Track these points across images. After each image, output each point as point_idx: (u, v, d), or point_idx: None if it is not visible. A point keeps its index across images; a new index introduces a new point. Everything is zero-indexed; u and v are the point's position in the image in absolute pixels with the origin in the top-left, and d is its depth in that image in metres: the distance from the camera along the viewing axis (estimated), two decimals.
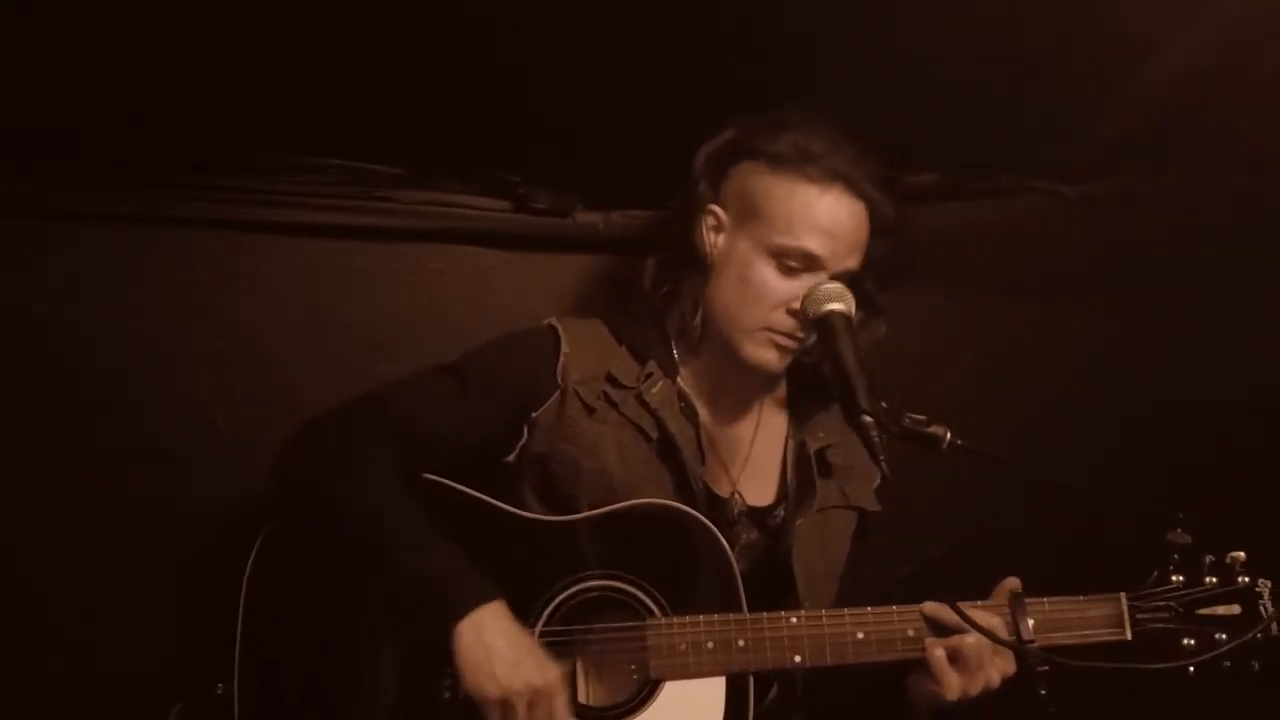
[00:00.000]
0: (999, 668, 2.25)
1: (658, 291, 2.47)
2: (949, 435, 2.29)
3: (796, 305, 2.33)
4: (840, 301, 2.26)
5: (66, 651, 2.60)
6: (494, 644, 2.10)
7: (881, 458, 2.13)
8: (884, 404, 2.19)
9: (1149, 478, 2.98)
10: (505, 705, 2.09)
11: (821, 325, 2.26)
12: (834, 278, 2.34)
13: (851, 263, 2.38)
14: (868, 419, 2.14)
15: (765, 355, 2.39)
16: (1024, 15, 2.46)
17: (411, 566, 2.15)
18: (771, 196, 2.36)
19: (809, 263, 2.33)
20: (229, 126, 2.55)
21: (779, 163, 2.37)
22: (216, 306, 2.72)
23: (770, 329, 2.37)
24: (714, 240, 2.42)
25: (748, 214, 2.39)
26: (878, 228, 2.41)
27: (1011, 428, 2.87)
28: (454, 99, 2.56)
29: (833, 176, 2.35)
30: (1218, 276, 3.04)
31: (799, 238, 2.33)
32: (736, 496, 2.46)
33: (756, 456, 2.53)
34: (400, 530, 2.18)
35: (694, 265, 2.43)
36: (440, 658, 2.14)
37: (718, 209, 2.42)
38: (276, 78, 2.44)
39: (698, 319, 2.43)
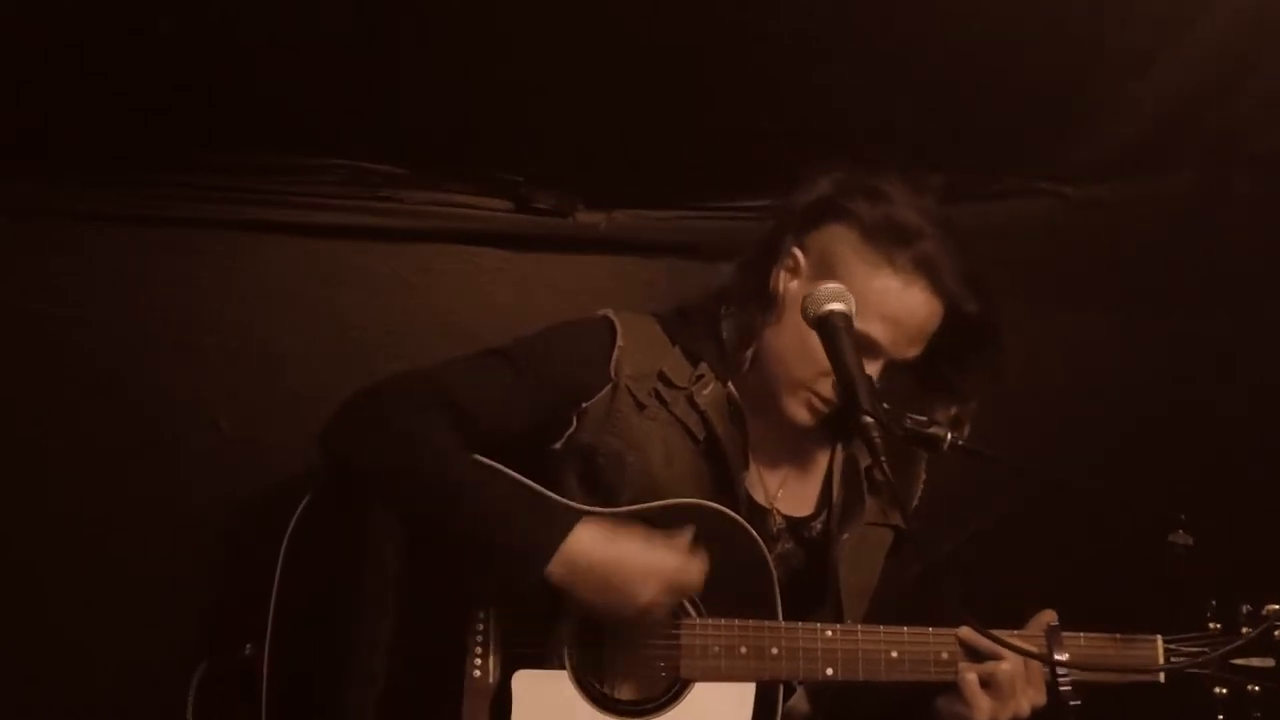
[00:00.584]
0: (1030, 698, 2.24)
1: (721, 310, 2.44)
2: (950, 436, 2.29)
3: None
4: (840, 301, 2.24)
5: (68, 650, 2.62)
6: (598, 570, 2.15)
7: (882, 458, 2.12)
8: (885, 405, 2.18)
9: (1150, 479, 2.97)
10: (650, 610, 2.15)
11: (821, 325, 2.24)
12: (890, 363, 2.33)
13: (912, 353, 2.35)
14: (869, 420, 2.13)
15: (800, 413, 2.37)
16: (1028, 16, 2.46)
17: (486, 519, 2.17)
18: (852, 272, 2.31)
19: (870, 347, 2.29)
20: (230, 127, 2.55)
21: (869, 237, 2.31)
22: (217, 306, 2.72)
23: (812, 391, 2.35)
24: (786, 282, 2.39)
25: (825, 275, 2.32)
26: (953, 320, 2.36)
27: (1012, 428, 2.86)
28: (455, 99, 2.56)
29: (917, 267, 2.29)
30: (1220, 278, 3.03)
31: (867, 323, 2.28)
32: (776, 509, 2.46)
33: (799, 468, 2.51)
34: (466, 483, 2.20)
35: (761, 301, 2.39)
36: (473, 635, 2.17)
37: (799, 255, 2.38)
38: (278, 78, 2.44)
39: (749, 353, 2.39)
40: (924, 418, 2.31)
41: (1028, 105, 2.66)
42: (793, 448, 2.51)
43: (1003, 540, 2.93)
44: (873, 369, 2.29)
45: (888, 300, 2.30)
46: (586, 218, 2.86)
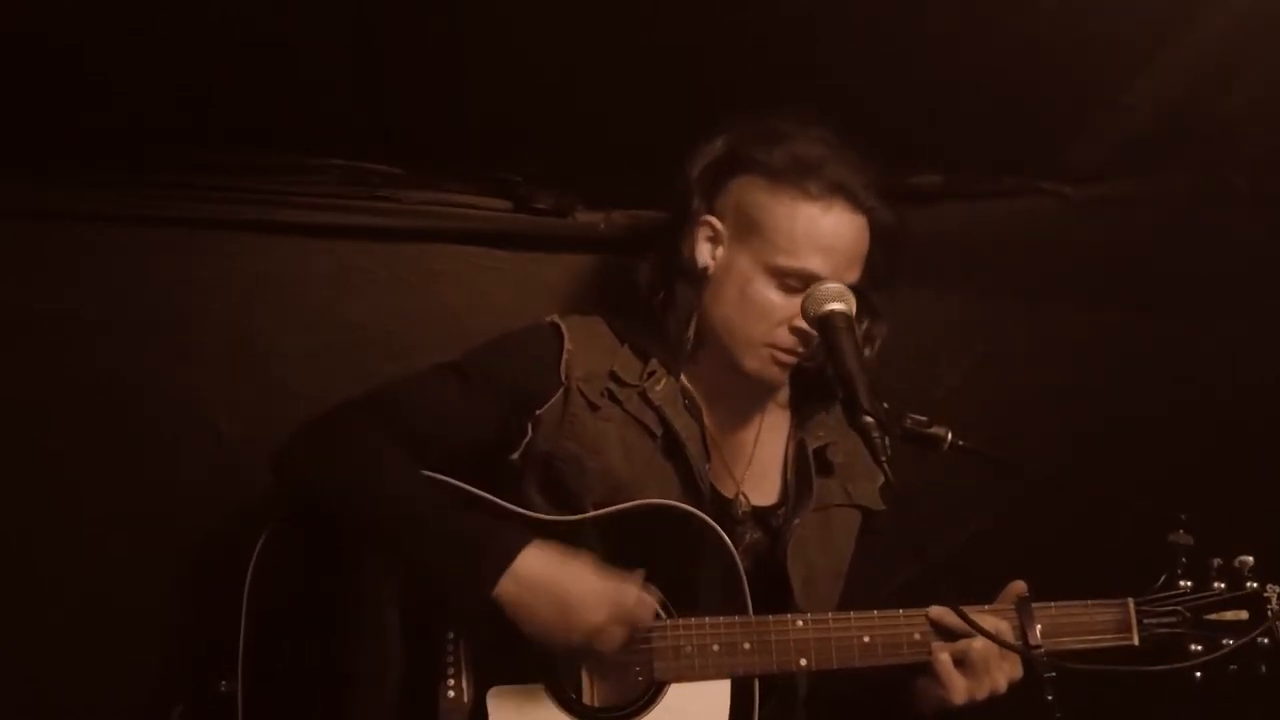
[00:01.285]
0: (1006, 672, 2.25)
1: (653, 298, 2.45)
2: (950, 435, 2.30)
3: (798, 321, 2.31)
4: (840, 301, 2.25)
5: (68, 650, 2.61)
6: (550, 589, 2.12)
7: (883, 459, 2.12)
8: (885, 404, 2.18)
9: (1150, 477, 2.98)
10: (601, 634, 2.12)
11: (822, 325, 2.25)
12: None
13: (852, 275, 2.36)
14: (869, 419, 2.13)
15: (767, 370, 2.38)
16: (1026, 15, 2.46)
17: (432, 543, 2.16)
18: (772, 215, 2.33)
19: (812, 281, 2.30)
20: (230, 127, 2.55)
21: (778, 178, 2.34)
22: (217, 306, 2.72)
23: (772, 345, 2.35)
24: (710, 252, 2.40)
25: (747, 230, 2.36)
26: (877, 236, 2.39)
27: (1012, 428, 2.87)
28: (455, 99, 2.56)
29: (834, 191, 2.32)
30: (1219, 277, 3.04)
31: (802, 259, 2.31)
32: (742, 497, 2.46)
33: (760, 456, 2.52)
34: (416, 506, 2.20)
35: (689, 275, 2.40)
36: (444, 656, 2.15)
37: (714, 221, 2.39)
38: (278, 78, 2.43)
39: (691, 330, 2.40)
40: (924, 417, 2.31)
41: (1028, 105, 2.67)
42: (755, 436, 2.52)
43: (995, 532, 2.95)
44: None
45: (815, 230, 2.32)
46: (586, 217, 2.85)
